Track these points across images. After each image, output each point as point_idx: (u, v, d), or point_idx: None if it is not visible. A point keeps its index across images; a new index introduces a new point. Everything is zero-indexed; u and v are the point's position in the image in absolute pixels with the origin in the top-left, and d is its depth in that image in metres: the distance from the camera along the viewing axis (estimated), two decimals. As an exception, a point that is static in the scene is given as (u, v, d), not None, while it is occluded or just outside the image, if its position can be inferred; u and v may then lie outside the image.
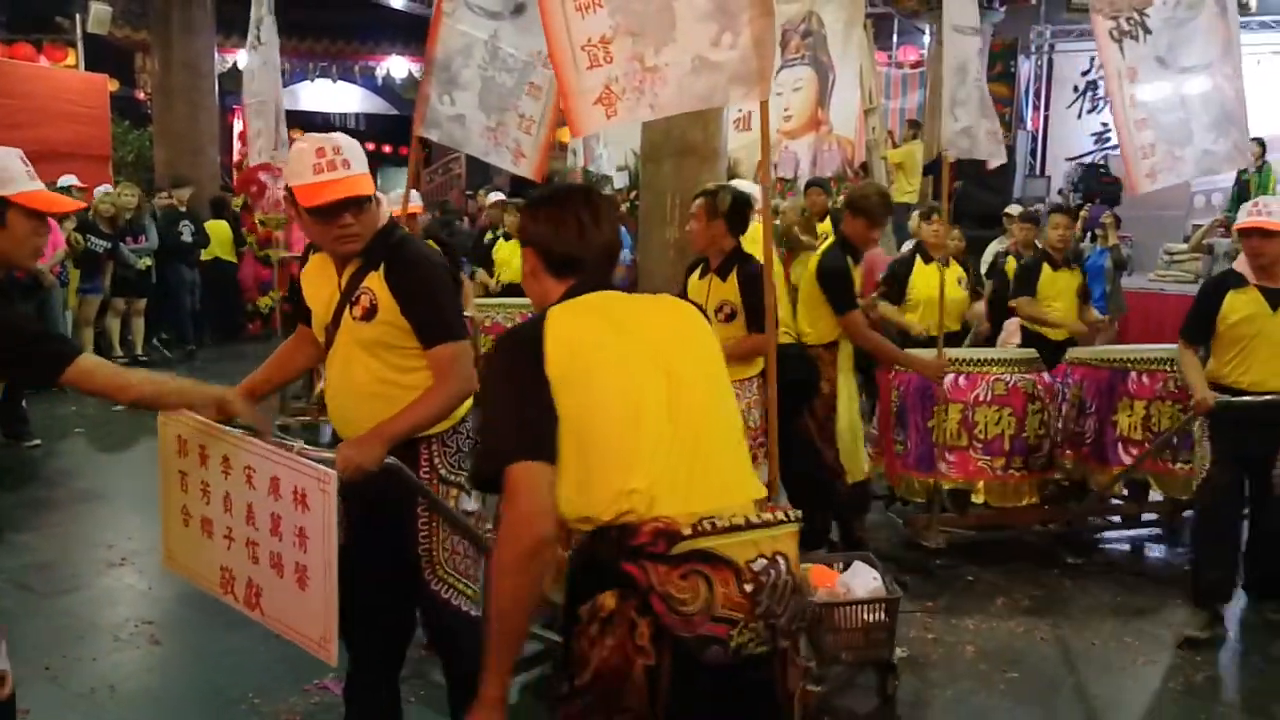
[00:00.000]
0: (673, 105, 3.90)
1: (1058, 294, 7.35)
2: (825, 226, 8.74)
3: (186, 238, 13.31)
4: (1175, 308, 10.81)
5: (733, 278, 5.19)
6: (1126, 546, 6.72)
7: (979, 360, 6.37)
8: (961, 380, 6.23)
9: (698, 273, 5.44)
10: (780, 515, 2.35)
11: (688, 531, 2.22)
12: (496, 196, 12.64)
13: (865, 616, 4.34)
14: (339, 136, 3.30)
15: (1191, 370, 5.29)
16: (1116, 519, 6.89)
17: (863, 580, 4.47)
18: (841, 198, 12.39)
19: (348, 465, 3.07)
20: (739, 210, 5.25)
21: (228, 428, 3.27)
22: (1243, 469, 5.20)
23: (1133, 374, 6.36)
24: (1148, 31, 5.93)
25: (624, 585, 2.24)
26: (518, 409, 2.36)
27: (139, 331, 12.82)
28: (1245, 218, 5.21)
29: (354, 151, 3.25)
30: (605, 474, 2.29)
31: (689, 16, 3.77)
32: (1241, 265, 5.28)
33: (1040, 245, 8.10)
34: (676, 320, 2.57)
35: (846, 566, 4.59)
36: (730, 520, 2.27)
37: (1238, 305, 5.15)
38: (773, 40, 3.79)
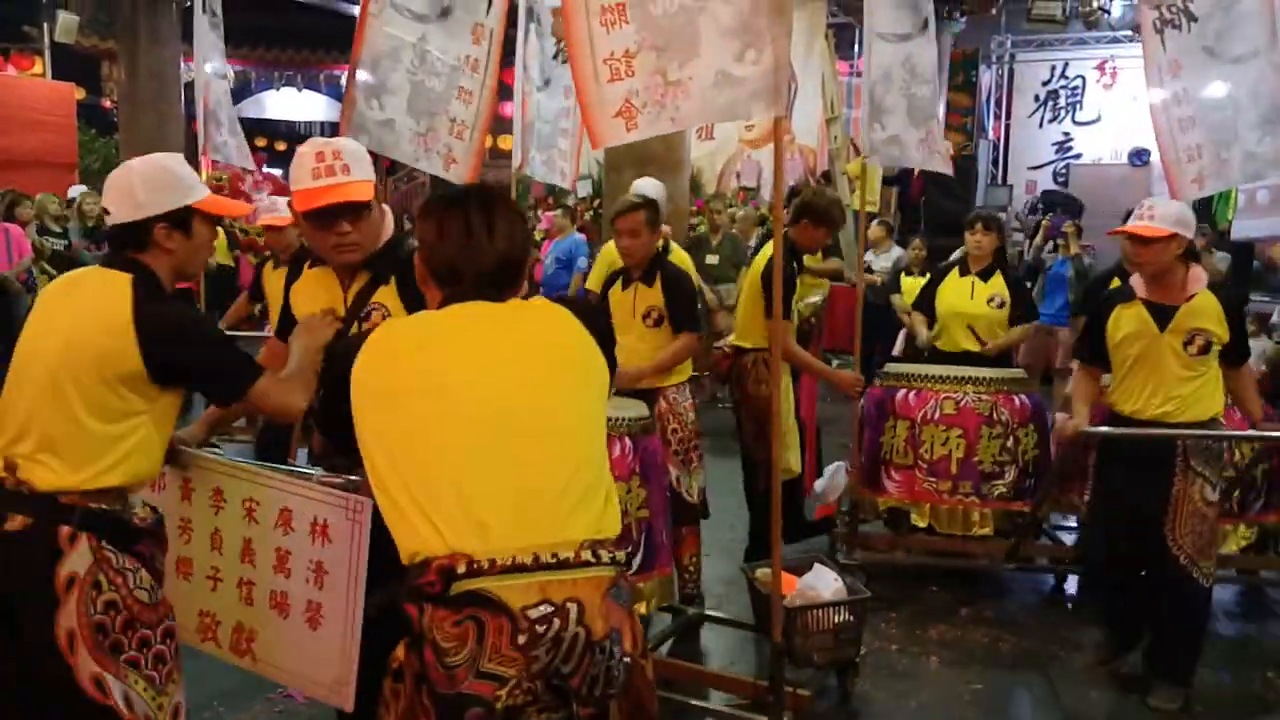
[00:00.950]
0: (694, 118, 3.93)
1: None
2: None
3: None
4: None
5: (658, 282, 5.24)
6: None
7: (929, 376, 6.06)
8: (912, 396, 6.00)
9: (619, 285, 5.42)
10: (587, 556, 2.04)
11: (462, 569, 1.97)
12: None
13: (835, 618, 4.39)
14: (343, 141, 3.17)
15: (1074, 393, 4.91)
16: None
17: (825, 582, 4.51)
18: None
19: None
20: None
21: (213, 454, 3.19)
22: (1132, 521, 4.58)
23: None
24: (1193, 19, 5.38)
25: (411, 632, 2.03)
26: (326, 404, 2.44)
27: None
28: (1131, 220, 4.60)
29: (356, 156, 3.09)
30: (407, 506, 2.08)
31: (713, 32, 3.79)
32: (1137, 279, 4.71)
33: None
34: (534, 336, 2.26)
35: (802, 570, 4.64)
36: (514, 558, 1.99)
37: (1122, 321, 4.61)
38: (788, 57, 3.82)
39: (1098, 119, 18.33)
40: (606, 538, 2.12)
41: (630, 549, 4.47)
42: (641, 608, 4.53)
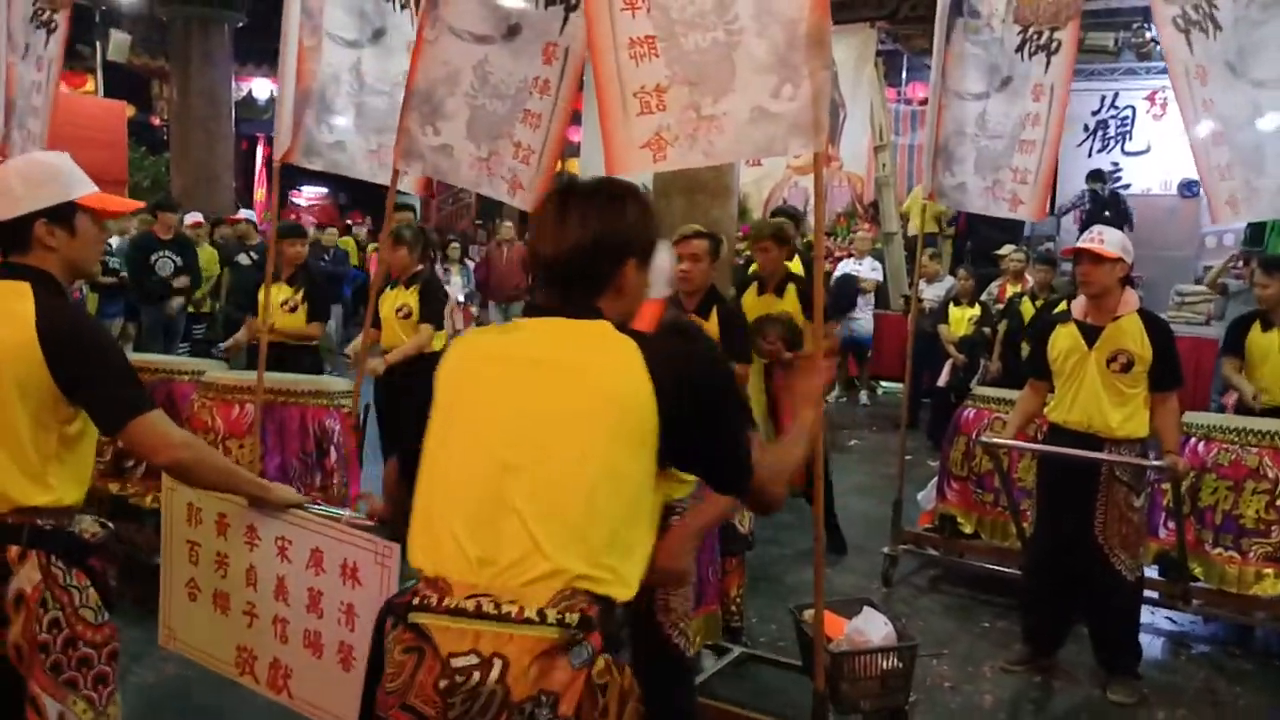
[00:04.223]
0: (729, 154, 3.93)
1: (1266, 357, 6.40)
2: (795, 265, 7.37)
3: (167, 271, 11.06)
4: (1187, 350, 10.77)
5: (713, 316, 5.28)
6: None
7: (988, 397, 6.61)
8: (970, 413, 6.57)
9: None
10: (530, 614, 1.95)
11: (417, 602, 1.99)
12: None
13: (883, 664, 4.31)
14: None
15: (1016, 406, 5.54)
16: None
17: (875, 626, 4.43)
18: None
19: None
20: None
21: None
22: (1068, 527, 5.02)
23: (1192, 440, 5.75)
24: (1218, 28, 5.11)
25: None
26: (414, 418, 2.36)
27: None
28: (1082, 242, 4.96)
29: None
30: (417, 516, 2.13)
31: (749, 67, 3.76)
32: (1075, 303, 5.14)
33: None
34: (580, 372, 2.10)
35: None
36: (459, 601, 1.98)
37: (1058, 341, 5.06)
38: (829, 91, 3.77)
39: (1147, 149, 18.13)
40: (579, 590, 2.00)
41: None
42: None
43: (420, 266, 7.12)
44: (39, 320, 2.60)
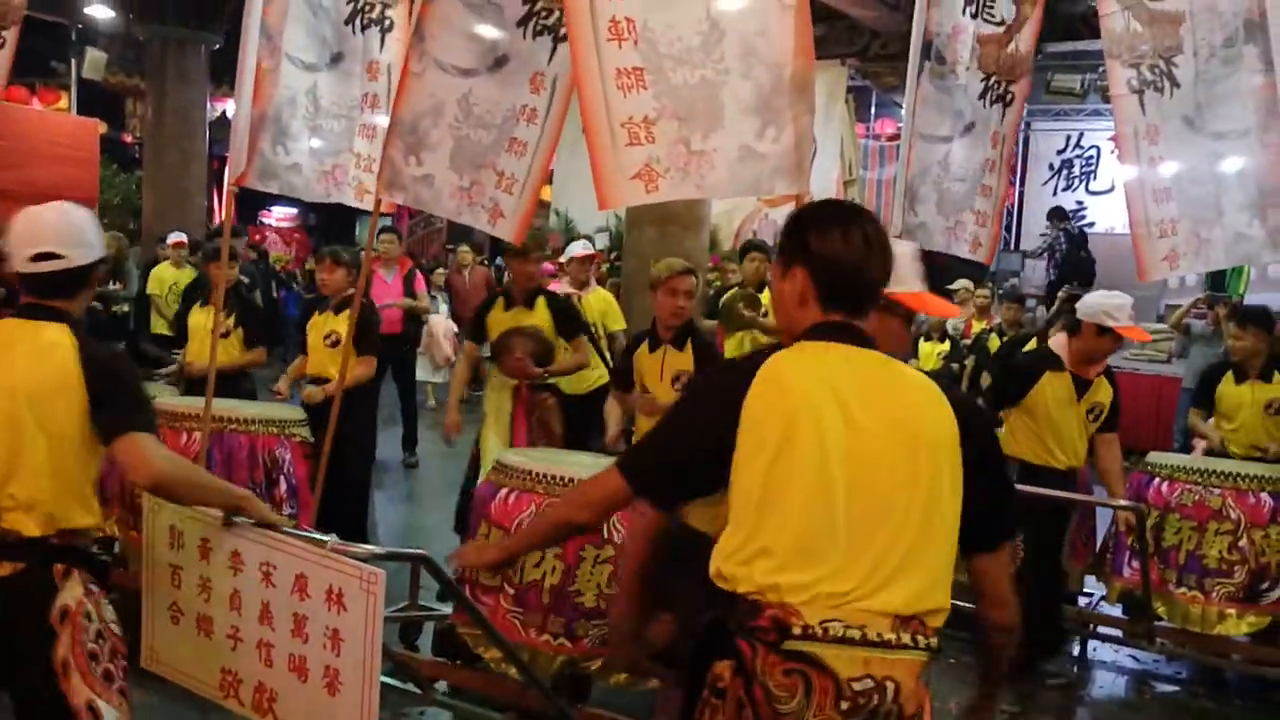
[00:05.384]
0: (722, 189, 4.00)
1: (1236, 409, 6.36)
2: (766, 298, 7.28)
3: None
4: (1149, 388, 11.02)
5: (689, 348, 5.30)
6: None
7: None
8: None
9: (645, 346, 5.47)
10: (907, 639, 2.14)
11: (797, 631, 2.10)
12: (582, 249, 8.35)
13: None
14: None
15: None
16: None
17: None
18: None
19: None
20: None
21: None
22: (1029, 555, 5.36)
23: (1155, 480, 5.92)
24: (1175, 85, 5.20)
25: (737, 659, 2.14)
26: (669, 438, 2.41)
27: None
28: (1126, 322, 5.33)
29: None
30: (747, 540, 2.18)
31: (735, 107, 3.83)
32: (1059, 347, 5.58)
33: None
34: (910, 399, 2.26)
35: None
36: (845, 631, 2.10)
37: (1050, 386, 5.44)
38: (811, 134, 3.85)
39: (1111, 189, 18.36)
40: (924, 610, 2.18)
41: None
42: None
43: (350, 291, 6.37)
44: (81, 352, 2.85)
